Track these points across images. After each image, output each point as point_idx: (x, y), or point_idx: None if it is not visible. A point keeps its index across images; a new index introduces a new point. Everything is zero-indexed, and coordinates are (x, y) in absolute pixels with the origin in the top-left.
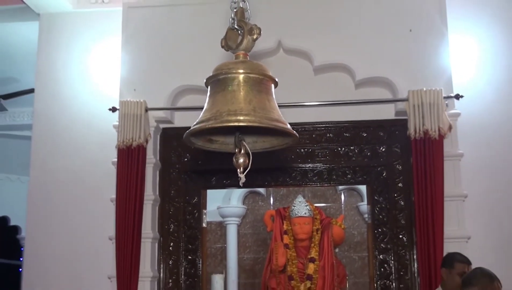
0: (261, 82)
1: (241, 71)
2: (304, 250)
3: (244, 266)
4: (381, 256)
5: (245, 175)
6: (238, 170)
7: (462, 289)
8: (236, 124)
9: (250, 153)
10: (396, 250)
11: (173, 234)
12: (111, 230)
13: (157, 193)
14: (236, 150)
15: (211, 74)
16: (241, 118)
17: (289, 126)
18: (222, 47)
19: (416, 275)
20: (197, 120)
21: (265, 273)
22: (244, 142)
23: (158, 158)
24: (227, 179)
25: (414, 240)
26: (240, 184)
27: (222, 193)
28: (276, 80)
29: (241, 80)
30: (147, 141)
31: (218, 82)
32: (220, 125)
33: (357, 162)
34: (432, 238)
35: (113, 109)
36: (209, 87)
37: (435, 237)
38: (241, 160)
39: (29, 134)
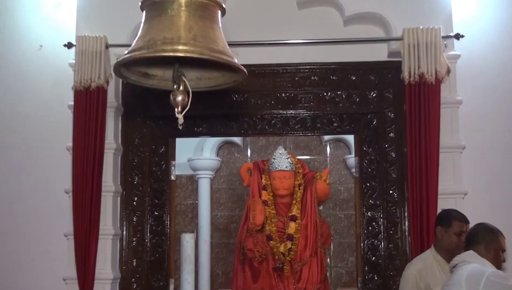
0: (205, 8)
1: None
2: (284, 207)
3: (217, 224)
4: (369, 214)
5: (220, 123)
6: (176, 109)
7: (466, 248)
8: (171, 54)
9: (190, 90)
10: (386, 207)
11: (138, 187)
12: (67, 182)
13: (120, 141)
14: (175, 87)
15: None
16: (179, 47)
17: (236, 60)
18: None
19: (407, 233)
20: (128, 49)
21: (240, 232)
22: (183, 78)
23: (120, 101)
24: (199, 126)
25: (406, 195)
26: (179, 126)
27: (193, 143)
28: (224, 6)
29: (182, 4)
30: (107, 82)
31: (155, 5)
32: (153, 55)
33: (344, 109)
34: (425, 194)
35: (69, 45)
36: (144, 11)
37: (429, 192)
38: (179, 98)
39: None
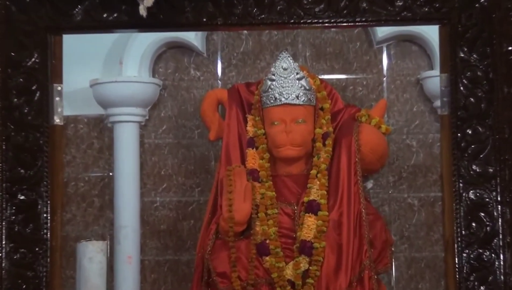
0: None
1: None
2: (294, 184)
3: (154, 222)
4: (471, 194)
5: (157, 2)
6: None
7: None
8: None
9: None
10: (509, 180)
11: None
12: None
13: None
14: None
15: None
16: None
17: None
18: None
19: None
20: None
21: (203, 238)
22: None
23: None
24: (114, 10)
25: None
26: (142, 12)
27: (102, 46)
28: None
29: None
30: None
31: None
32: None
33: None
34: None
35: None
36: None
37: None
38: None
39: None
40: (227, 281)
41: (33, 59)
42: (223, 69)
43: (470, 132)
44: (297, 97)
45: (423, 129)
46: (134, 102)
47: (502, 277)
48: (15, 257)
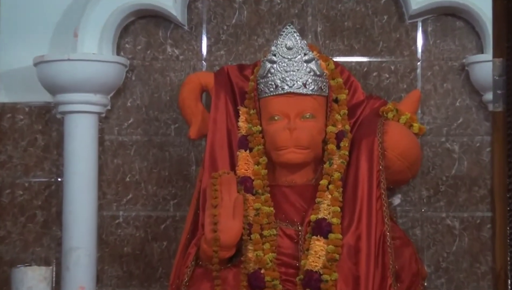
0: None
1: None
2: (298, 197)
3: (116, 243)
4: None
5: None
6: None
7: None
8: None
9: None
10: None
11: None
12: None
13: None
14: None
15: None
16: None
17: None
18: None
19: None
20: None
21: (179, 265)
22: None
23: None
24: None
25: None
26: None
27: (53, 14)
28: None
29: None
30: None
31: None
32: None
33: None
34: None
35: None
36: None
37: None
38: None
39: None
40: None
41: None
42: (209, 46)
43: None
44: (305, 84)
45: (469, 129)
46: (92, 87)
47: None
48: None
